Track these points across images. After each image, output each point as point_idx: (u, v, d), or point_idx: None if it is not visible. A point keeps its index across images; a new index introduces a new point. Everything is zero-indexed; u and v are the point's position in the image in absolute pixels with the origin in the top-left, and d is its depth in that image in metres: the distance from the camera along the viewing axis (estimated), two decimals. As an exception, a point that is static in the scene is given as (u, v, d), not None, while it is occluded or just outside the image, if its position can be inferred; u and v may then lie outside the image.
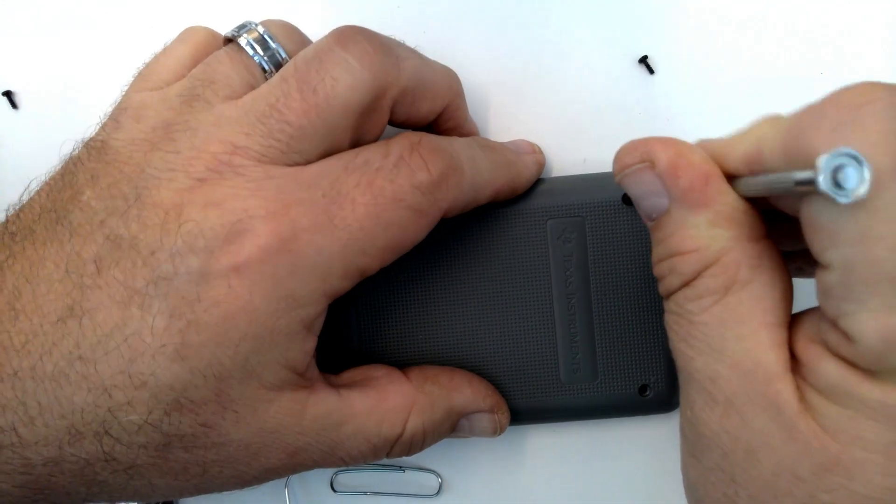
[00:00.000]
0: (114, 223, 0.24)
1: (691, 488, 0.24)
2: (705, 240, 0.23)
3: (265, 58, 0.27)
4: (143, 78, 0.28)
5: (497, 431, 0.30)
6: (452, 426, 0.29)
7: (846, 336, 0.20)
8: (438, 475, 0.33)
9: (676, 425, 0.32)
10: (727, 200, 0.23)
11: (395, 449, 0.28)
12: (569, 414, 0.31)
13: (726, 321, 0.22)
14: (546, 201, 0.31)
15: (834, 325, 0.20)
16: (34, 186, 0.26)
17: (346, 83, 0.25)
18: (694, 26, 0.33)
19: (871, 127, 0.19)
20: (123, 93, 0.28)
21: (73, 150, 0.27)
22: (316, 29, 0.29)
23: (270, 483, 0.32)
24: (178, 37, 0.29)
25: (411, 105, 0.28)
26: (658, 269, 0.24)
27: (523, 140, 0.32)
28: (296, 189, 0.25)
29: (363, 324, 0.31)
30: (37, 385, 0.23)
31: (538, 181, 0.31)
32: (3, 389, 0.23)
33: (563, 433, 0.32)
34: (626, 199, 0.30)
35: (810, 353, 0.21)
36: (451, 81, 0.29)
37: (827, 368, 0.21)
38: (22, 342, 0.23)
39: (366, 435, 0.27)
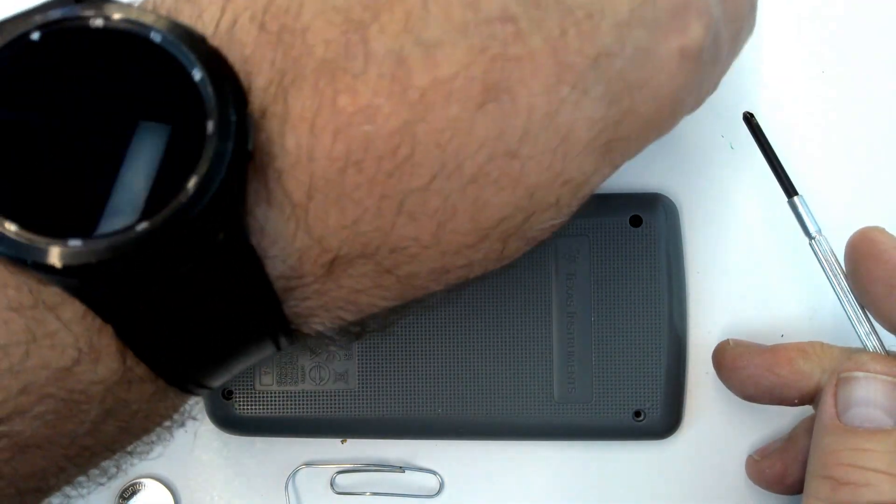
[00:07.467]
0: None
1: None
2: None
3: None
4: None
5: None
6: None
7: None
8: (438, 475, 0.33)
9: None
10: None
11: None
12: (561, 433, 0.30)
13: None
14: None
15: None
16: None
17: None
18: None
19: None
20: None
21: None
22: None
23: (270, 483, 0.33)
24: None
25: None
26: None
27: None
28: None
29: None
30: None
31: None
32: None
33: (565, 442, 0.32)
34: (633, 221, 0.30)
35: None
36: None
37: None
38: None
39: None
